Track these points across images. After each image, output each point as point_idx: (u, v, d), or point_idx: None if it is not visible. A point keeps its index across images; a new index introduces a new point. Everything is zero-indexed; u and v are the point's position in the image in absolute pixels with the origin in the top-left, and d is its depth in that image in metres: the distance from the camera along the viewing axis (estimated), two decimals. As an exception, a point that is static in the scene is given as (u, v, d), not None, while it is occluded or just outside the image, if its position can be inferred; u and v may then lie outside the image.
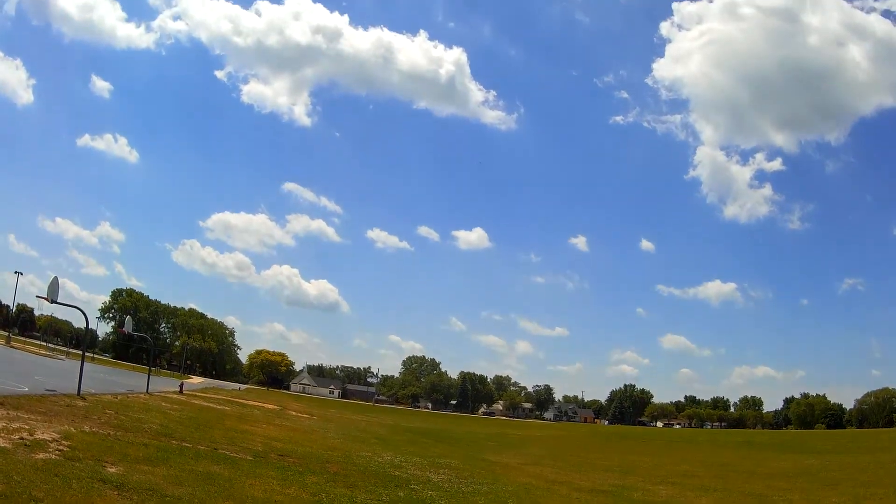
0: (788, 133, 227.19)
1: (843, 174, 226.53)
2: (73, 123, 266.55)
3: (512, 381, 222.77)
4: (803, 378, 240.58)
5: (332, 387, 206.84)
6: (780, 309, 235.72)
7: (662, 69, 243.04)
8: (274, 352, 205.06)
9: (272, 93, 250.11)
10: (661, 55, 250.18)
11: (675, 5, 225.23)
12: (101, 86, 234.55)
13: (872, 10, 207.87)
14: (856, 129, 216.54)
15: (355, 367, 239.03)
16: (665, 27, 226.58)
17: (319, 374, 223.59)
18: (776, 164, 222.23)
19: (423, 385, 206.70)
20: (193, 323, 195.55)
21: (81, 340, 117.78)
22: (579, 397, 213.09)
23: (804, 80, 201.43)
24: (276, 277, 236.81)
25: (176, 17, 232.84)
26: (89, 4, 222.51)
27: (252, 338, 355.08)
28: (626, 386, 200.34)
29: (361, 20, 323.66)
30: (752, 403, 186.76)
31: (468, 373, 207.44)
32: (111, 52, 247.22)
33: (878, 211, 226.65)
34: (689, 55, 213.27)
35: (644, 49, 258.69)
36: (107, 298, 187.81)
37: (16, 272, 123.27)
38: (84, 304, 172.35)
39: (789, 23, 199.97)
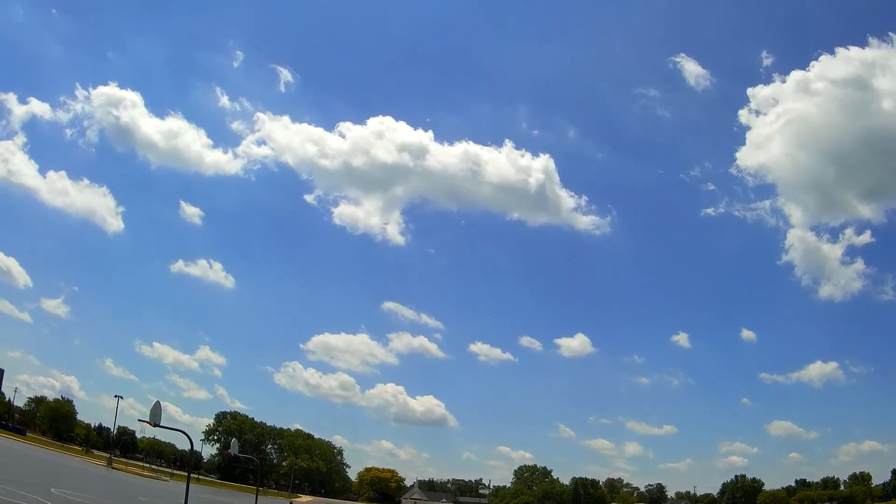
0: (874, 203, 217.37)
1: None
2: (166, 249, 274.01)
3: (623, 482, 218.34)
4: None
5: (444, 500, 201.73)
6: (882, 381, 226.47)
7: (746, 157, 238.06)
8: (383, 469, 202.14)
9: (363, 213, 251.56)
10: (743, 143, 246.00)
11: (749, 91, 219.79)
12: (191, 212, 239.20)
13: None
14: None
15: (466, 480, 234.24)
16: (743, 115, 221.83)
17: (430, 488, 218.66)
18: (865, 237, 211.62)
19: (535, 493, 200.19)
20: (300, 443, 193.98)
21: (186, 462, 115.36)
22: (691, 493, 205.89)
23: (883, 146, 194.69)
24: (382, 396, 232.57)
25: (260, 143, 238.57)
26: (174, 131, 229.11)
27: (360, 456, 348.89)
28: (736, 477, 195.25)
29: (446, 135, 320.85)
30: (861, 479, 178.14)
31: (580, 478, 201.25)
32: (199, 178, 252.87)
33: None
34: (769, 139, 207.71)
35: (725, 138, 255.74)
36: (210, 421, 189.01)
37: (115, 396, 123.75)
38: (187, 426, 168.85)
39: (861, 91, 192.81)
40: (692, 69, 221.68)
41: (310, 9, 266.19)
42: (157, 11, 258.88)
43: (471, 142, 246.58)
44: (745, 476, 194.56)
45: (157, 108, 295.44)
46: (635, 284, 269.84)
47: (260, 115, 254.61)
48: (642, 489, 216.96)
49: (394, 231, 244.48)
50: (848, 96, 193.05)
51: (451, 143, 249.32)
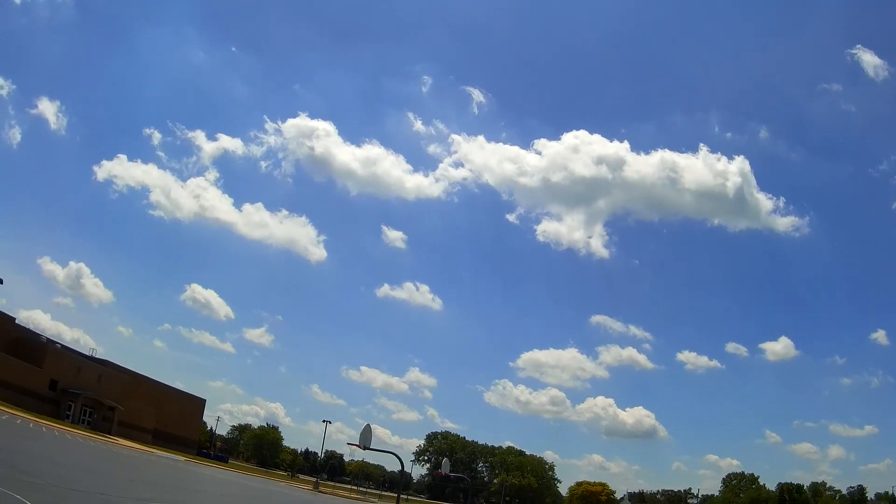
0: None
1: None
2: (370, 274, 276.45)
3: (826, 486, 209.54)
4: None
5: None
6: None
7: None
8: (594, 482, 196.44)
9: (566, 229, 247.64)
10: None
11: None
12: (393, 236, 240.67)
13: None
14: None
15: (675, 490, 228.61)
16: None
17: (641, 500, 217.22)
18: None
19: (742, 501, 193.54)
20: (511, 460, 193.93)
21: (395, 483, 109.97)
22: (890, 493, 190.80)
23: None
24: (592, 409, 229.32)
25: (457, 164, 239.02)
26: (371, 158, 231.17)
27: (571, 471, 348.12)
28: None
29: (641, 145, 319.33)
30: None
31: (785, 483, 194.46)
32: (400, 202, 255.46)
33: None
34: None
35: None
36: (420, 442, 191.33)
37: (323, 421, 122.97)
38: (396, 448, 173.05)
39: None
40: (870, 60, 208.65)
41: (494, 28, 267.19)
42: (340, 42, 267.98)
43: (666, 150, 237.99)
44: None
45: (351, 136, 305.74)
46: (833, 283, 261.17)
47: (455, 136, 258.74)
48: (843, 492, 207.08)
49: (597, 244, 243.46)
50: None
51: (647, 153, 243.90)
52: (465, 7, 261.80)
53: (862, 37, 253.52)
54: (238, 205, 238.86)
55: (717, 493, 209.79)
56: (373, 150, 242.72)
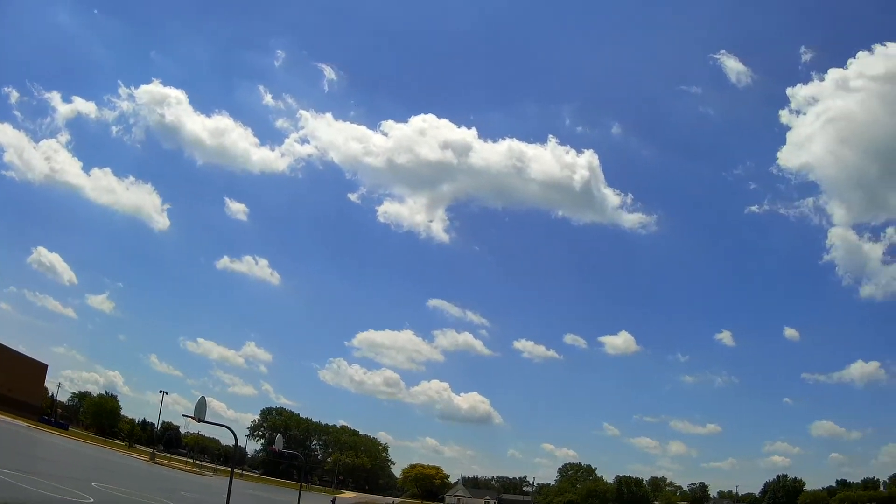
0: None
1: None
2: (211, 246, 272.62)
3: (667, 481, 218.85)
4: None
5: (487, 497, 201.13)
6: None
7: (787, 157, 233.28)
8: (428, 465, 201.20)
9: (408, 211, 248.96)
10: (783, 143, 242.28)
11: (789, 91, 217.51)
12: (236, 208, 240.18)
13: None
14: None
15: (511, 477, 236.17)
16: (784, 115, 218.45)
17: (475, 485, 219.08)
18: None
19: (579, 492, 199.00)
20: (345, 440, 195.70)
21: (230, 457, 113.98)
22: (733, 492, 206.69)
23: None
24: (427, 393, 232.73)
25: (303, 141, 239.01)
26: (220, 129, 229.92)
27: (405, 452, 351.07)
28: (778, 477, 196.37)
29: (490, 133, 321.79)
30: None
31: (624, 476, 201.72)
32: (246, 175, 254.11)
33: None
34: (810, 139, 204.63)
35: (767, 137, 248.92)
36: (255, 417, 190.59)
37: (160, 391, 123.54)
38: (231, 422, 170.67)
39: None
40: (733, 66, 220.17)
41: (352, 7, 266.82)
42: (198, 12, 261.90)
43: (515, 139, 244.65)
44: (786, 476, 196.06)
45: (203, 106, 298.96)
46: (680, 282, 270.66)
47: (303, 112, 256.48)
48: (685, 488, 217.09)
49: (438, 228, 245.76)
50: (889, 92, 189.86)
51: (494, 141, 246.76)
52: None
53: (728, 42, 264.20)
54: (87, 169, 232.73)
55: (553, 483, 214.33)
56: (222, 122, 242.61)
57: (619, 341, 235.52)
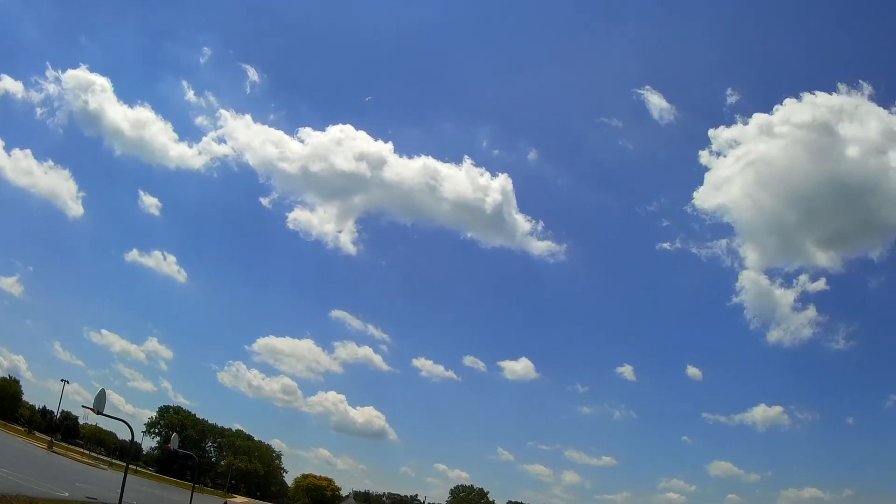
0: (832, 252, 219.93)
1: (887, 290, 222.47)
2: (122, 238, 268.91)
3: None
4: (851, 497, 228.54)
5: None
6: (826, 429, 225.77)
7: (704, 197, 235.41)
8: (320, 476, 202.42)
9: (318, 220, 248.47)
10: (701, 183, 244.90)
11: (711, 132, 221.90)
12: (149, 202, 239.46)
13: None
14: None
15: (402, 495, 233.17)
16: (703, 155, 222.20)
17: (366, 500, 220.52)
18: (820, 285, 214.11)
19: None
20: (240, 444, 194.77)
21: (126, 452, 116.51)
22: None
23: (846, 194, 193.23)
24: (323, 403, 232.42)
25: (221, 140, 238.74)
26: (141, 121, 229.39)
27: (298, 462, 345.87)
28: None
29: (406, 148, 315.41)
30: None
31: (515, 502, 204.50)
32: (162, 170, 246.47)
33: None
34: (728, 181, 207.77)
35: (685, 177, 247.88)
36: (153, 413, 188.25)
37: (62, 380, 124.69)
38: (130, 417, 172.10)
39: (827, 136, 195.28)
40: (657, 102, 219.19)
41: (282, 10, 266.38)
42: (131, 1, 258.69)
43: (430, 157, 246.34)
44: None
45: (126, 95, 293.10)
46: (585, 313, 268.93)
47: (223, 111, 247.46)
48: None
49: (346, 240, 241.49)
50: (813, 141, 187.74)
51: (410, 157, 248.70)
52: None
53: (654, 78, 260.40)
54: (8, 149, 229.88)
55: (444, 503, 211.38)
56: (144, 113, 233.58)
57: (519, 367, 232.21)
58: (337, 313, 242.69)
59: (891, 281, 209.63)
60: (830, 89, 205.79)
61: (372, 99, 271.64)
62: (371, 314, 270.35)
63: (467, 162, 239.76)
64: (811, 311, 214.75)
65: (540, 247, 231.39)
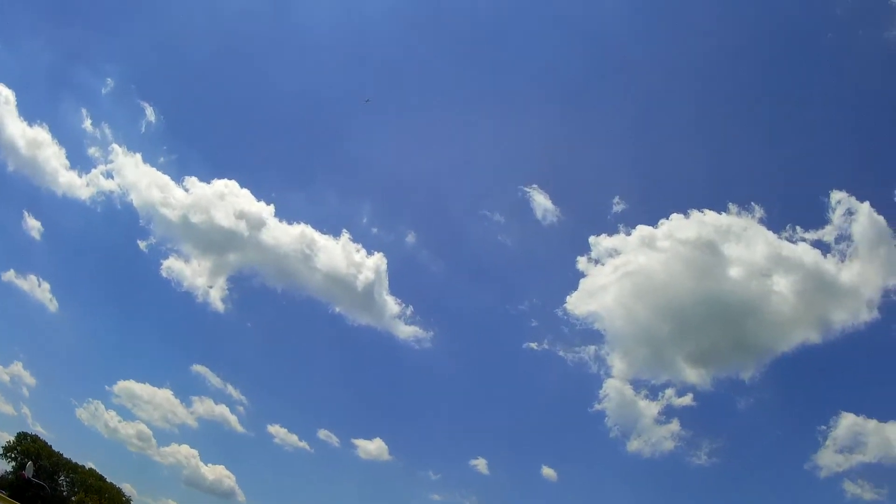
0: (702, 369, 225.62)
1: (755, 410, 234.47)
2: (1, 256, 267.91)
3: None
4: None
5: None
6: None
7: (576, 302, 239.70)
8: None
9: (191, 272, 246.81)
10: (576, 288, 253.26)
11: (592, 239, 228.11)
12: (32, 224, 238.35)
13: (802, 240, 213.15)
14: (773, 365, 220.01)
15: None
16: (582, 261, 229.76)
17: None
18: (686, 400, 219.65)
19: None
20: (92, 483, 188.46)
21: None
22: None
23: (722, 313, 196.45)
24: (176, 455, 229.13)
25: (108, 175, 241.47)
26: (38, 141, 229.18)
27: None
28: None
29: (288, 213, 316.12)
30: None
31: None
32: (50, 195, 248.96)
33: (787, 445, 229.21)
34: (604, 289, 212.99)
35: (560, 280, 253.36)
36: (11, 438, 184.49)
37: None
38: None
39: (710, 254, 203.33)
40: (542, 202, 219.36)
41: (189, 53, 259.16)
42: (50, 14, 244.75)
43: (310, 225, 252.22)
44: None
45: (27, 112, 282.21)
46: (444, 402, 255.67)
47: (116, 146, 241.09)
48: None
49: (216, 296, 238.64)
50: (695, 258, 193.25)
51: (290, 223, 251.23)
52: (175, 26, 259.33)
53: (541, 177, 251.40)
54: None
55: None
56: (41, 134, 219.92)
57: (373, 447, 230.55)
58: (198, 368, 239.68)
59: (760, 402, 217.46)
60: (720, 209, 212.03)
61: (371, 101, 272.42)
62: (232, 374, 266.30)
63: (345, 236, 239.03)
64: (674, 425, 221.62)
65: (406, 331, 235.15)
